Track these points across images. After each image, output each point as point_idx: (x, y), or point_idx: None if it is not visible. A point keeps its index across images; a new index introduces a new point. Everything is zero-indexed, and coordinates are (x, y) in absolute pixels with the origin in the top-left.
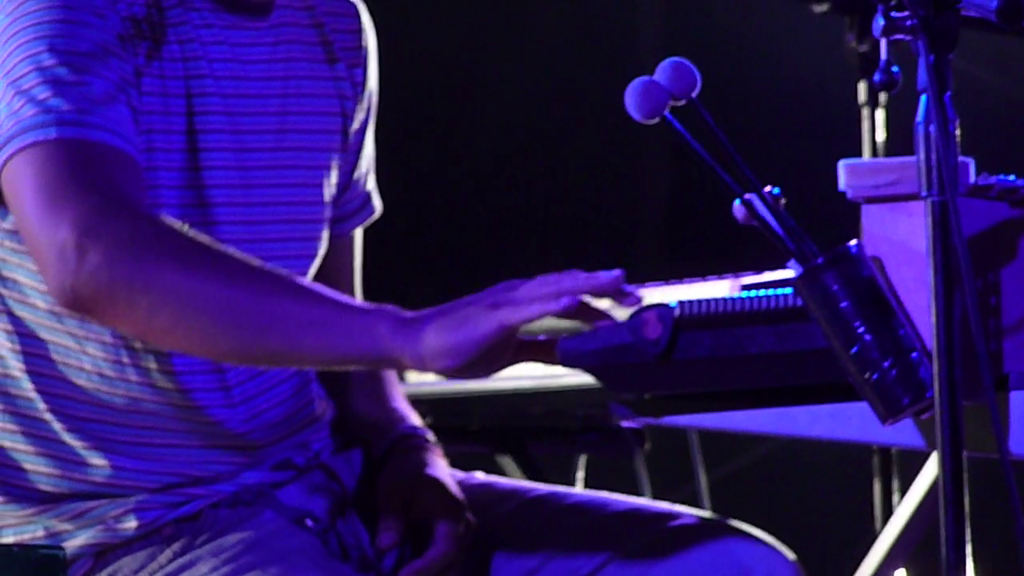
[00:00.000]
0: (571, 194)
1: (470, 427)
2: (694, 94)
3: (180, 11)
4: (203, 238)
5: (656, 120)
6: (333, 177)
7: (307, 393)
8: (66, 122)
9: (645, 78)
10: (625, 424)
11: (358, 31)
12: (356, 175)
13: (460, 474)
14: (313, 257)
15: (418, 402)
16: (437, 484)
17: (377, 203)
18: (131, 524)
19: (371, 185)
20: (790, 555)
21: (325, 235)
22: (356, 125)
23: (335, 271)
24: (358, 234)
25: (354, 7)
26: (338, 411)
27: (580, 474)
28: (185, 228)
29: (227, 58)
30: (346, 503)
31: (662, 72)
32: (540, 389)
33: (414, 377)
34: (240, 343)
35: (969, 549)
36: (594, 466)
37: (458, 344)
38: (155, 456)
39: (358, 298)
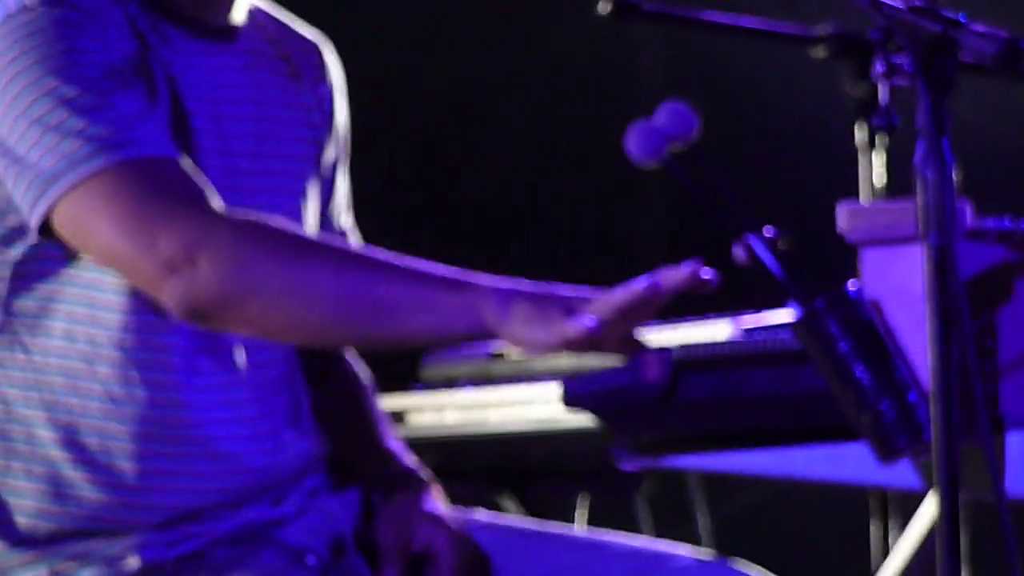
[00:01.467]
0: (570, 236)
1: (470, 468)
2: (693, 136)
3: (156, 40)
4: (300, 231)
5: (656, 163)
6: (311, 205)
7: (304, 430)
8: (111, 146)
9: (644, 121)
10: (625, 465)
11: (321, 65)
12: (329, 209)
13: (462, 512)
14: None
15: (418, 443)
16: (437, 519)
17: (354, 241)
18: (133, 562)
19: (346, 222)
20: None
21: None
22: (329, 156)
23: None
24: None
25: (315, 44)
26: (334, 451)
27: (580, 515)
28: (281, 224)
29: (202, 82)
30: (345, 542)
31: (661, 115)
32: (540, 430)
33: (414, 419)
34: (353, 330)
35: None
36: (594, 508)
37: (528, 340)
38: (157, 487)
39: None
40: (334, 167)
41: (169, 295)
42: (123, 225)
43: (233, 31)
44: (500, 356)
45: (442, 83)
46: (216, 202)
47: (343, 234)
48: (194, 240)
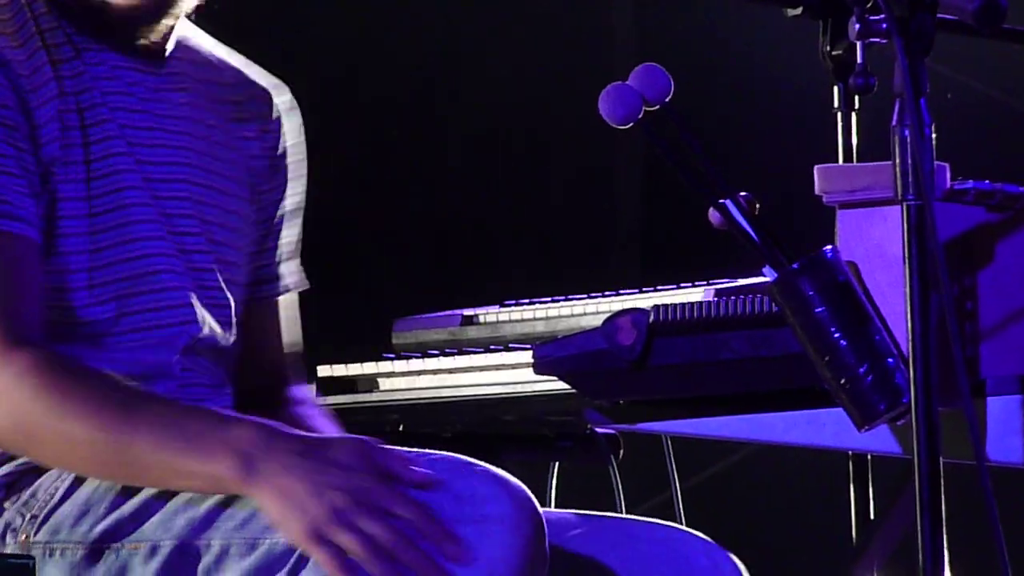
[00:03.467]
0: (544, 201)
1: (443, 434)
2: (667, 99)
3: (75, 62)
4: (81, 372)
5: (630, 125)
6: (242, 235)
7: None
8: None
9: (619, 83)
10: (599, 430)
11: (271, 113)
12: (269, 244)
13: None
14: (213, 287)
15: (391, 408)
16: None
17: (294, 282)
18: None
19: (288, 269)
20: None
21: (236, 294)
22: (270, 193)
23: (260, 333)
24: (284, 302)
25: (268, 91)
26: None
27: (553, 481)
28: (65, 363)
29: (128, 106)
30: None
31: (636, 77)
32: (513, 395)
33: (386, 384)
34: (113, 478)
35: (946, 555)
36: (568, 473)
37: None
38: None
39: (291, 363)
40: (277, 215)
41: None
42: None
43: (162, 54)
44: (471, 322)
45: (413, 51)
46: (14, 321)
47: (284, 272)
48: None
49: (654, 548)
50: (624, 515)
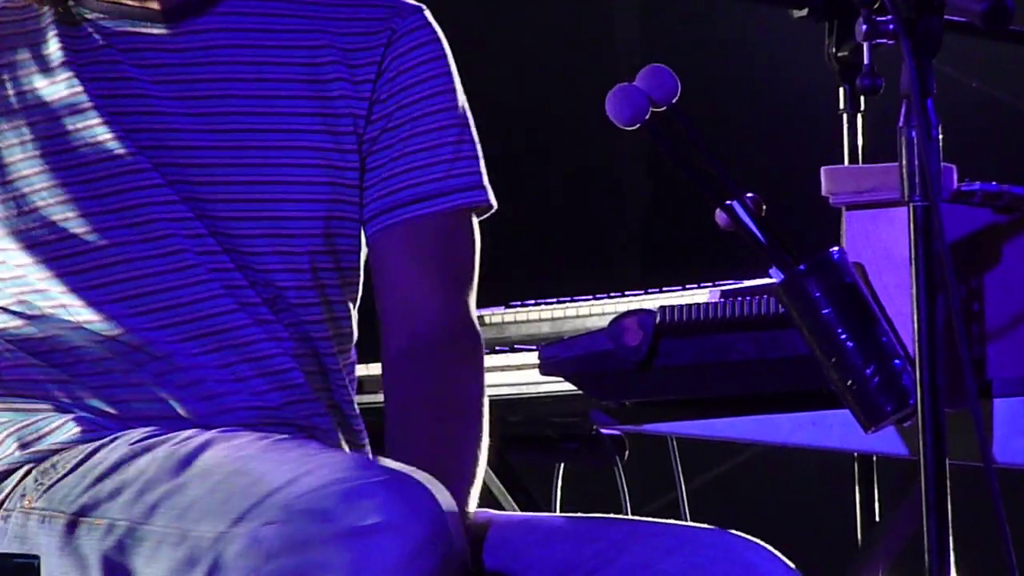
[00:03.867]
0: (548, 203)
1: None
2: (674, 100)
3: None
4: None
5: (637, 126)
6: (305, 183)
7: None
8: None
9: (626, 84)
10: (605, 432)
11: (373, 34)
12: (390, 171)
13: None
14: (288, 253)
15: None
16: None
17: (459, 198)
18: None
19: (457, 182)
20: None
21: (306, 231)
22: (377, 122)
23: (405, 261)
24: (447, 225)
25: (382, 16)
26: None
27: (558, 482)
28: None
29: (103, 75)
30: None
31: (643, 78)
32: (519, 396)
33: None
34: None
35: (952, 557)
36: (573, 474)
37: None
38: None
39: (464, 289)
40: (399, 139)
41: None
42: None
43: (177, 13)
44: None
45: None
46: None
47: (416, 202)
48: None
49: (710, 553)
50: (665, 520)
